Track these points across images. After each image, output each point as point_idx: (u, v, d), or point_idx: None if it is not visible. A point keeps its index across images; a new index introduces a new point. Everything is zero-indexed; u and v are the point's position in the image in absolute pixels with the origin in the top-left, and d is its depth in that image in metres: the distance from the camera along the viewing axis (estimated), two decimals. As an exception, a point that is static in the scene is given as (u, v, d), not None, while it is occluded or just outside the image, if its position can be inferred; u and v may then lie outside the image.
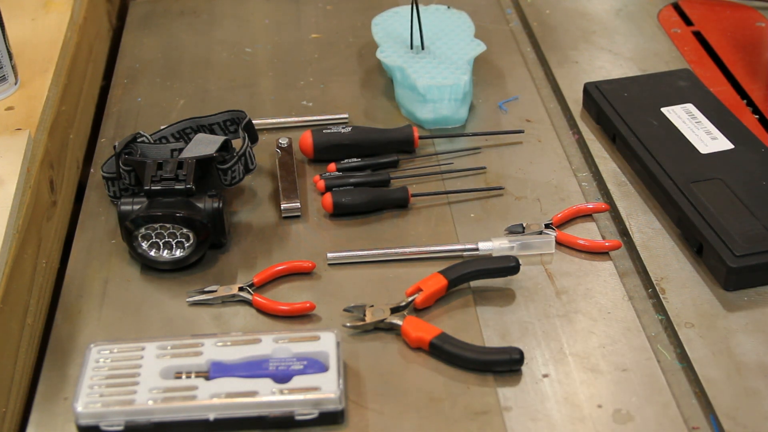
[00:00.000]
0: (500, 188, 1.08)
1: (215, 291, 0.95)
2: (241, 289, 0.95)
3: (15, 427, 0.88)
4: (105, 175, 1.04)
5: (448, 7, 1.31)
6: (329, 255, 0.99)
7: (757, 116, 1.20)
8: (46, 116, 1.10)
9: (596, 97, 1.17)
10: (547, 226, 1.02)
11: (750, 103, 1.22)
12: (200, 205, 0.97)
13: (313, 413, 0.81)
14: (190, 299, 0.95)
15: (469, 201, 1.07)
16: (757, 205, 0.99)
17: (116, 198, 1.04)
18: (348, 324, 0.91)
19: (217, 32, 1.41)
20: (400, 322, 0.90)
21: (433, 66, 1.19)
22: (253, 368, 0.84)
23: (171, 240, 0.97)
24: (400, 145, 1.13)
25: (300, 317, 0.93)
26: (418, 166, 1.12)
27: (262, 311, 0.94)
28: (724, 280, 0.94)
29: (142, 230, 0.96)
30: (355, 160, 1.11)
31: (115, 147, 1.03)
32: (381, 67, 1.27)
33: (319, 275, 0.98)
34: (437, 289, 0.93)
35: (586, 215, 1.04)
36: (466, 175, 1.11)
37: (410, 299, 0.93)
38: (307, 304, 0.93)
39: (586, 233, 1.02)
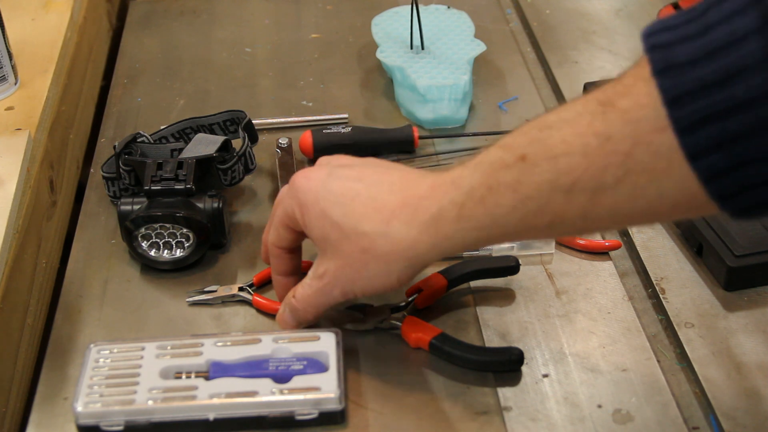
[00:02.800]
0: (500, 188, 1.08)
1: (215, 291, 0.95)
2: (241, 289, 0.95)
3: (15, 427, 0.88)
4: (105, 175, 1.04)
5: (448, 7, 1.31)
6: (329, 255, 0.99)
7: (757, 116, 1.19)
8: (46, 116, 1.10)
9: (596, 97, 1.17)
10: (547, 226, 1.02)
11: (750, 103, 1.22)
12: (200, 205, 0.97)
13: (313, 413, 0.81)
14: (190, 299, 0.95)
15: (469, 201, 1.07)
16: (757, 205, 0.99)
17: (116, 198, 1.04)
18: (348, 324, 0.91)
19: (217, 32, 1.41)
20: (400, 323, 0.90)
21: (433, 66, 1.19)
22: (253, 368, 0.84)
23: (171, 240, 0.97)
24: (400, 145, 1.13)
25: (300, 317, 0.93)
26: (418, 166, 1.12)
27: (261, 311, 0.94)
28: (724, 280, 0.94)
29: (142, 230, 0.96)
30: (355, 160, 1.11)
31: (115, 147, 1.03)
32: (381, 67, 1.27)
33: (319, 275, 0.98)
34: (437, 289, 0.93)
35: (586, 215, 1.04)
36: (466, 175, 1.11)
37: (410, 299, 0.93)
38: None
39: (586, 233, 1.02)
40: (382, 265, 0.78)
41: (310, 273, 0.84)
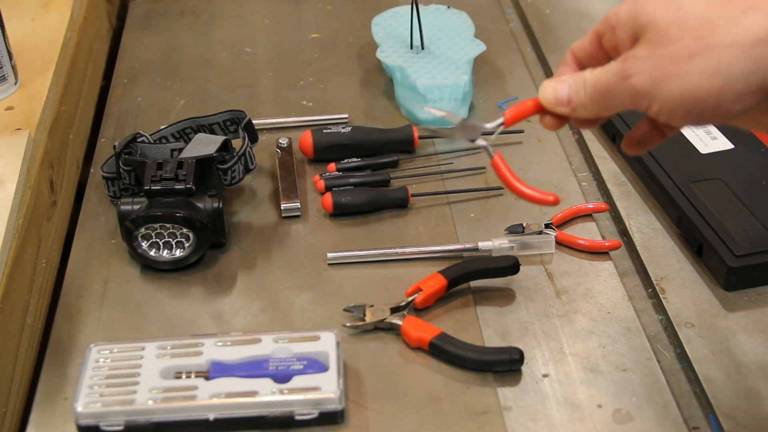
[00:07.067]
0: (500, 188, 1.08)
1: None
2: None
3: (15, 427, 0.88)
4: (105, 175, 1.04)
5: (448, 7, 1.31)
6: (329, 255, 0.99)
7: (757, 116, 1.20)
8: (46, 116, 1.10)
9: (596, 97, 1.17)
10: (547, 225, 1.02)
11: (750, 103, 1.22)
12: (200, 205, 0.97)
13: (313, 413, 0.81)
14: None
15: (469, 201, 1.07)
16: (757, 205, 0.99)
17: (116, 198, 1.04)
18: (348, 324, 0.91)
19: (217, 32, 1.41)
20: (400, 322, 0.90)
21: (433, 66, 1.19)
22: (253, 368, 0.84)
23: (171, 240, 0.97)
24: (400, 145, 1.13)
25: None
26: (418, 166, 1.12)
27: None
28: (724, 280, 0.94)
29: (142, 230, 0.96)
30: (355, 160, 1.11)
31: (115, 147, 1.03)
32: (381, 67, 1.27)
33: (319, 275, 0.98)
34: (437, 288, 0.93)
35: (586, 215, 1.04)
36: (466, 175, 1.11)
37: (410, 299, 0.93)
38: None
39: (586, 233, 1.02)
40: (713, 61, 0.61)
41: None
